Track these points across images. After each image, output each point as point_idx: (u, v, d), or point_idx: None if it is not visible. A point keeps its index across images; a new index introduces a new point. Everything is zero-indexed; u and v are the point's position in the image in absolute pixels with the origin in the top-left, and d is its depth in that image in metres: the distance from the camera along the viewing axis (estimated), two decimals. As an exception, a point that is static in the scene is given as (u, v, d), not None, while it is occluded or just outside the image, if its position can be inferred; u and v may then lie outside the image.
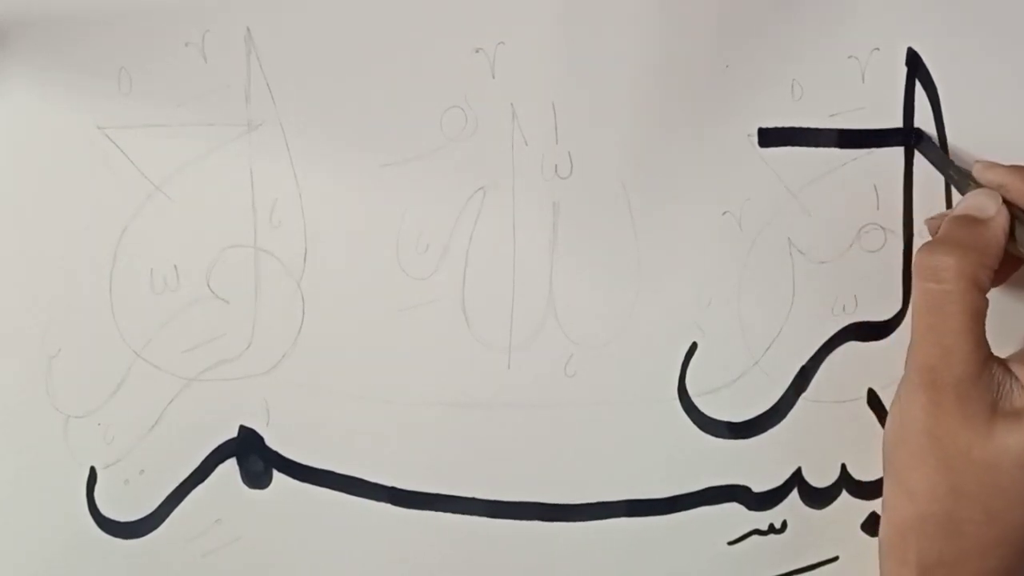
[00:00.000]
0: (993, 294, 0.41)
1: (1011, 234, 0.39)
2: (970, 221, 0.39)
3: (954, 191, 0.42)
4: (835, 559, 0.45)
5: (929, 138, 0.42)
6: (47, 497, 0.41)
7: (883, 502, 0.40)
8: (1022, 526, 0.37)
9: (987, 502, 0.37)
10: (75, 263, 0.40)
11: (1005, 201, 0.39)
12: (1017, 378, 0.37)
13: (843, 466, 0.44)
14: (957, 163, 0.41)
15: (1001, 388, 0.37)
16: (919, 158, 0.42)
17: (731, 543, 0.44)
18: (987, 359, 0.37)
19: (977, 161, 0.41)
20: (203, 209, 0.40)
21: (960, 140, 0.42)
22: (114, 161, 0.39)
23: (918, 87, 0.42)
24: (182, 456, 0.42)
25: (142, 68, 0.39)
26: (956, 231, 0.39)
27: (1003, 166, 0.40)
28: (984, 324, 0.37)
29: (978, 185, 0.40)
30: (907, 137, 0.42)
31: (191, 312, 0.41)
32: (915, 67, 0.42)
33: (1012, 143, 0.42)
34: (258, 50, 0.39)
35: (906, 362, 0.39)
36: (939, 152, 0.41)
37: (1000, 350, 0.39)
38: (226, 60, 0.39)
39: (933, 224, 0.42)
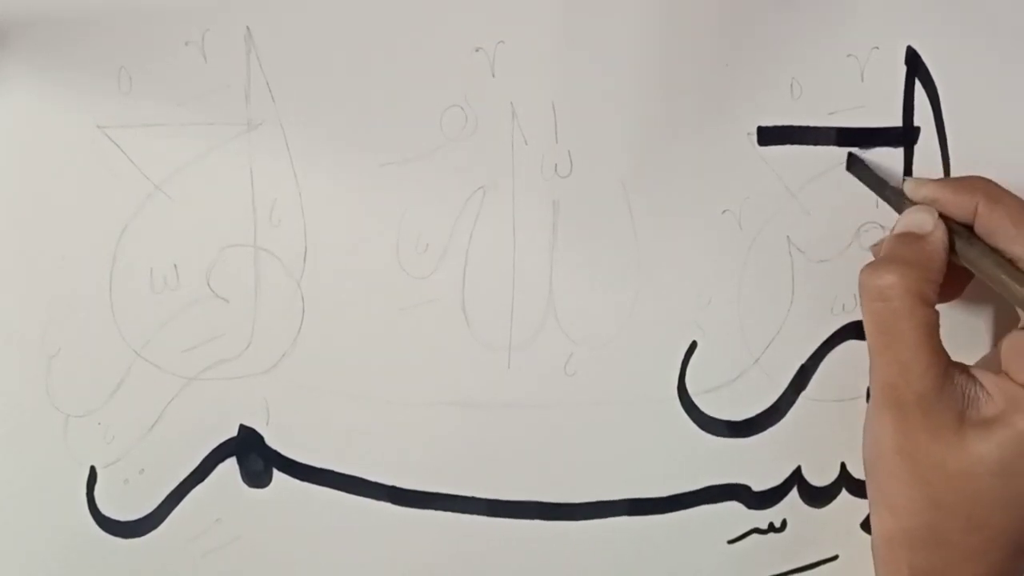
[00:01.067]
0: (955, 303, 0.41)
1: (951, 247, 0.39)
2: (910, 238, 0.39)
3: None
4: (835, 558, 0.45)
5: (861, 160, 0.42)
6: (47, 497, 0.41)
7: (870, 515, 0.40)
8: (1007, 530, 0.37)
9: (968, 511, 0.37)
10: (75, 263, 0.40)
11: (941, 215, 0.39)
12: (983, 385, 0.37)
13: (843, 465, 0.44)
14: (891, 183, 0.41)
15: (967, 397, 0.37)
16: (919, 156, 0.42)
17: (731, 542, 0.44)
18: (948, 370, 0.37)
19: (906, 179, 0.41)
20: (203, 209, 0.40)
21: (960, 138, 0.42)
22: (114, 161, 0.39)
23: (917, 86, 0.42)
24: (182, 455, 0.42)
25: (142, 68, 0.39)
26: (897, 249, 0.39)
27: (933, 181, 0.40)
28: (938, 336, 0.37)
29: (912, 203, 0.40)
30: (906, 136, 0.42)
31: (191, 312, 0.41)
32: (914, 66, 0.42)
33: (1012, 142, 0.42)
34: (258, 50, 0.39)
35: (870, 381, 0.39)
36: (873, 174, 0.41)
37: (965, 359, 0.39)
38: (226, 60, 0.39)
39: (875, 249, 0.42)
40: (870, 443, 0.39)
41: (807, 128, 0.42)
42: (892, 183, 0.41)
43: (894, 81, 0.42)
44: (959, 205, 0.39)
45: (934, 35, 0.41)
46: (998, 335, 0.43)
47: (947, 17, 0.41)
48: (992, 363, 0.39)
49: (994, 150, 0.42)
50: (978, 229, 0.39)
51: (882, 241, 0.41)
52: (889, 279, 0.37)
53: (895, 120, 0.42)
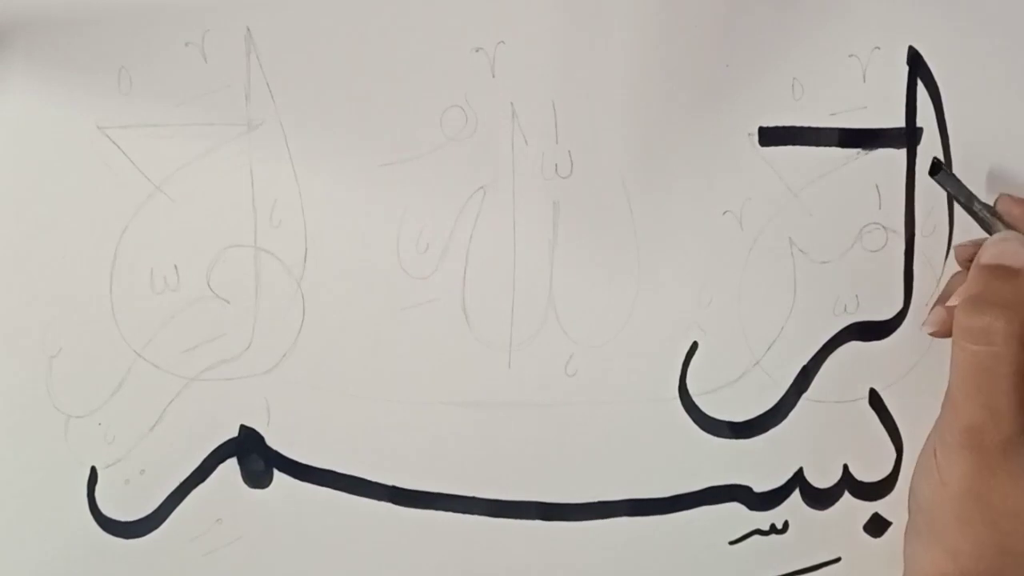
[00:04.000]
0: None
1: None
2: (1007, 273, 0.37)
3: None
4: (837, 560, 0.45)
5: (946, 168, 0.40)
6: (48, 497, 0.41)
7: (913, 556, 0.39)
8: None
9: None
10: (75, 263, 0.40)
11: None
12: None
13: (845, 466, 0.44)
14: (978, 195, 0.40)
15: None
16: (920, 157, 0.42)
17: (732, 543, 0.44)
18: None
19: (1002, 195, 0.39)
20: (203, 209, 0.40)
21: (962, 139, 0.42)
22: (114, 161, 0.40)
23: (920, 86, 0.42)
24: (183, 456, 0.42)
25: (142, 68, 0.39)
26: (995, 285, 0.37)
27: None
28: None
29: (1005, 223, 0.39)
30: (909, 137, 0.42)
31: (191, 312, 0.41)
32: (916, 66, 0.41)
33: (1014, 142, 0.42)
34: (258, 50, 0.39)
35: (940, 422, 0.38)
36: (960, 184, 0.40)
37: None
38: (226, 60, 0.39)
39: (963, 252, 0.40)
40: (934, 483, 0.38)
41: (809, 129, 0.42)
42: (979, 197, 0.40)
43: (896, 81, 0.42)
44: None
45: (936, 35, 0.41)
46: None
47: (949, 17, 0.41)
48: None
49: (997, 150, 0.42)
50: None
51: (973, 245, 0.39)
52: (995, 324, 0.36)
53: (897, 121, 0.42)
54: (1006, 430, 0.36)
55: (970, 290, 0.38)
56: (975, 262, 0.39)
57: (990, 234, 0.39)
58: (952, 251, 0.42)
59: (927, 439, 0.41)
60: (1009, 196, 0.39)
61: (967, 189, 0.40)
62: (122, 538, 0.42)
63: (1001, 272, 0.38)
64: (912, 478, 0.41)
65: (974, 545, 0.37)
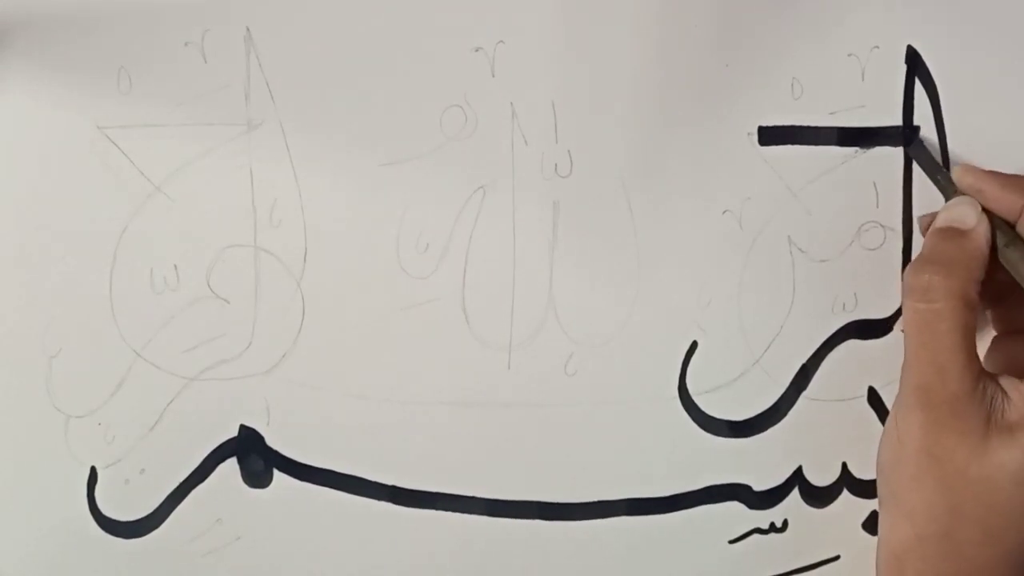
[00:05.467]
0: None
1: (993, 243, 0.38)
2: (952, 233, 0.38)
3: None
4: (836, 558, 0.45)
5: (921, 141, 0.41)
6: (48, 497, 0.41)
7: (880, 525, 0.40)
8: (1019, 545, 0.37)
9: (985, 521, 0.36)
10: (75, 263, 0.40)
11: (985, 210, 0.38)
12: (1006, 392, 0.37)
13: (844, 464, 0.44)
14: (946, 167, 0.41)
15: (993, 403, 0.37)
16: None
17: (732, 542, 0.44)
18: (979, 375, 0.37)
19: (957, 164, 0.40)
20: (203, 209, 0.40)
21: (960, 138, 0.42)
22: (114, 161, 0.40)
23: (918, 85, 0.42)
24: (183, 456, 0.42)
25: (142, 68, 0.39)
26: (939, 246, 0.38)
27: (983, 171, 0.39)
28: (975, 339, 0.37)
29: (958, 192, 0.40)
30: (907, 135, 0.42)
31: (191, 312, 0.41)
32: (915, 65, 0.42)
33: (1012, 141, 0.42)
34: (258, 50, 0.39)
35: (900, 382, 0.39)
36: (929, 156, 0.41)
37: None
38: (226, 60, 0.39)
39: (924, 221, 0.41)
40: (892, 444, 0.39)
41: (808, 128, 0.42)
42: (945, 169, 0.41)
43: (894, 80, 0.42)
44: (1005, 201, 0.38)
45: (934, 34, 0.41)
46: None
47: (948, 16, 0.41)
48: (1008, 366, 0.38)
49: (994, 149, 0.42)
50: (1021, 230, 0.38)
51: (933, 215, 0.40)
52: (934, 280, 0.37)
53: (895, 119, 0.42)
54: (952, 387, 0.36)
55: (921, 253, 0.39)
56: (930, 229, 0.39)
57: (946, 198, 0.40)
58: (916, 222, 0.42)
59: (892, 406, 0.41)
60: (963, 166, 0.40)
61: (936, 161, 0.41)
62: (122, 538, 0.42)
63: (949, 233, 0.38)
64: (879, 446, 0.41)
65: (927, 505, 0.37)
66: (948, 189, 0.40)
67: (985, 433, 0.36)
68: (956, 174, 0.40)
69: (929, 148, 0.41)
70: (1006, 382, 0.37)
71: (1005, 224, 0.38)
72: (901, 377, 0.39)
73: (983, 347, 0.42)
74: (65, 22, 0.38)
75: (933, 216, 0.40)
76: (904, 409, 0.38)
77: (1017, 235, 0.38)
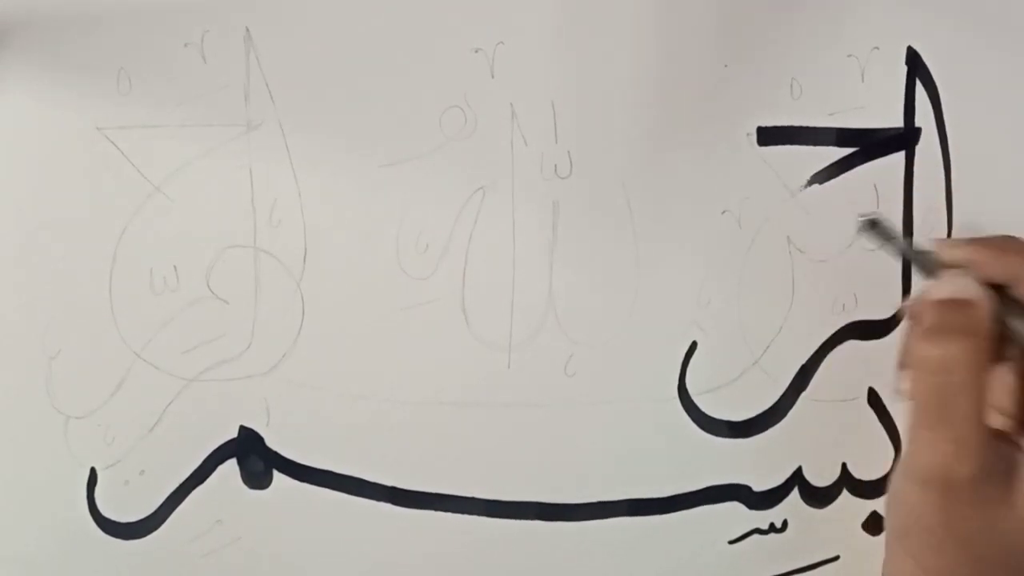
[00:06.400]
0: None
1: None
2: (959, 305, 0.36)
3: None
4: (836, 558, 0.45)
5: (882, 223, 0.38)
6: (47, 498, 0.41)
7: (891, 563, 0.39)
8: None
9: (1007, 563, 0.36)
10: (75, 263, 0.40)
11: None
12: (1021, 448, 0.36)
13: (843, 465, 0.44)
14: (915, 243, 0.39)
15: (1010, 464, 0.35)
16: (919, 156, 0.42)
17: (732, 542, 0.44)
18: (995, 440, 0.35)
19: (935, 240, 0.39)
20: (203, 209, 0.40)
21: (960, 139, 0.42)
22: (114, 161, 0.40)
23: (918, 86, 0.42)
24: (182, 456, 0.42)
25: (142, 69, 0.39)
26: (949, 317, 0.36)
27: (966, 242, 0.37)
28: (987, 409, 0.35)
29: (946, 265, 0.38)
30: (907, 137, 0.42)
31: (191, 312, 0.41)
32: (915, 66, 0.42)
33: (1012, 141, 0.42)
34: (257, 50, 0.39)
35: (906, 457, 0.36)
36: (895, 234, 0.38)
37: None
38: (225, 60, 0.39)
39: (909, 309, 0.39)
40: (902, 515, 0.37)
41: (807, 128, 0.42)
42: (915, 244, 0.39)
43: (895, 81, 0.42)
44: (1002, 266, 0.36)
45: (935, 35, 0.41)
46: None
47: (948, 17, 0.42)
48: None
49: (995, 150, 0.42)
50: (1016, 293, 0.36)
51: (916, 302, 0.38)
52: (951, 351, 0.35)
53: (896, 120, 0.42)
54: (971, 465, 0.35)
55: (925, 324, 0.37)
56: (924, 301, 0.38)
57: (928, 277, 0.39)
58: (905, 309, 0.41)
59: (897, 464, 0.40)
60: (939, 241, 0.38)
61: (905, 240, 0.40)
62: (122, 539, 0.42)
63: (956, 304, 0.37)
64: (885, 509, 0.40)
65: (949, 563, 0.36)
66: (928, 263, 0.38)
67: (1007, 497, 0.35)
68: (939, 248, 0.39)
69: (889, 228, 0.40)
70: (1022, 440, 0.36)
71: (1000, 290, 0.38)
72: (907, 448, 0.37)
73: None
74: (65, 22, 0.38)
75: (919, 300, 0.38)
76: (915, 486, 0.36)
77: (1014, 299, 0.37)
